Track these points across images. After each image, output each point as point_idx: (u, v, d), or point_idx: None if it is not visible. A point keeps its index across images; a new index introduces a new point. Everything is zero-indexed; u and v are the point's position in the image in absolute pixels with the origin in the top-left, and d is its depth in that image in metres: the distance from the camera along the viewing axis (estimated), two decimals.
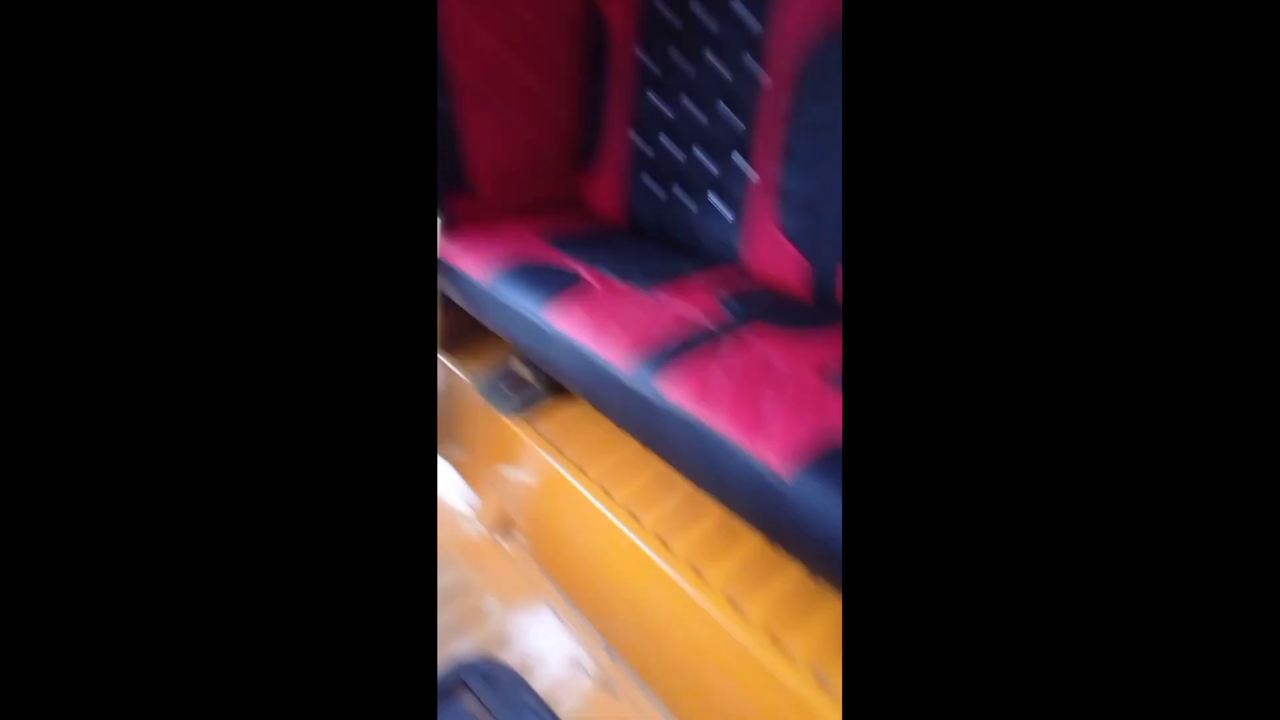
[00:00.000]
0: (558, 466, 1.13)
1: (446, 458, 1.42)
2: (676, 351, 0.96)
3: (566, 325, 1.03)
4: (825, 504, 0.75)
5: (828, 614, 0.91)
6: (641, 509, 1.05)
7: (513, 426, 1.22)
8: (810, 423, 0.83)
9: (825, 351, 0.97)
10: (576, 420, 1.23)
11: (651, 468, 1.13)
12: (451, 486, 1.38)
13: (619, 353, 0.97)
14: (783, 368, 0.94)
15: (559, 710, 1.00)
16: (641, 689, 1.04)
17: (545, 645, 1.10)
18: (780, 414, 0.85)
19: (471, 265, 1.19)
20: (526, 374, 1.29)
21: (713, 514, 1.04)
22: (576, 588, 1.16)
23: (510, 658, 1.08)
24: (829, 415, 0.84)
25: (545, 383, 1.27)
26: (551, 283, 1.11)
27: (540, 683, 1.04)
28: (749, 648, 0.88)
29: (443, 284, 1.28)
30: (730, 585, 0.94)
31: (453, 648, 1.08)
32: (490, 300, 1.15)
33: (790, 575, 0.95)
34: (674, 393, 0.90)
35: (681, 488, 1.09)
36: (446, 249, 1.25)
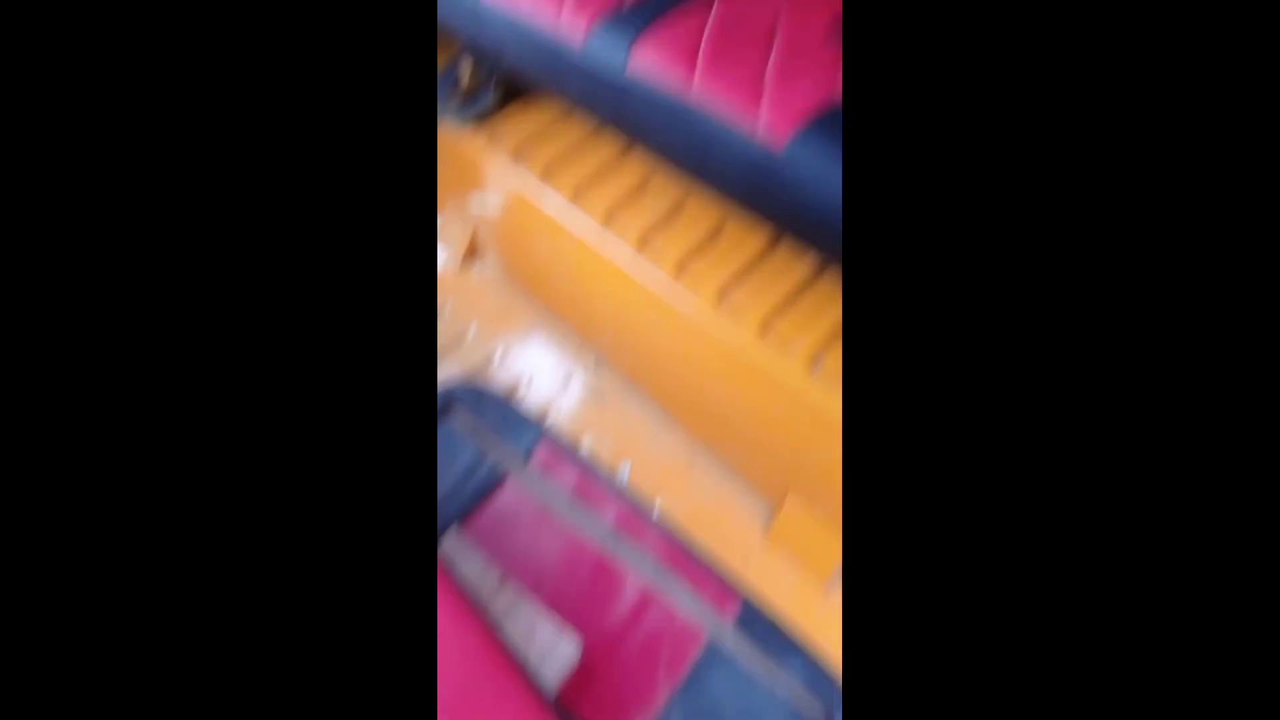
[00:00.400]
0: (525, 178, 1.01)
1: None
2: (645, 15, 0.80)
3: None
4: (822, 170, 0.67)
5: (827, 309, 0.87)
6: (623, 213, 0.97)
7: (469, 139, 1.07)
8: (801, 85, 0.72)
9: (816, 5, 0.82)
10: (546, 124, 1.09)
11: (635, 170, 1.02)
12: None
13: (577, 25, 0.81)
14: (768, 25, 0.79)
15: (551, 422, 1.00)
16: (634, 395, 1.05)
17: (531, 364, 1.08)
18: (769, 77, 0.73)
19: None
20: (478, 76, 1.11)
21: (707, 216, 0.96)
22: (558, 304, 1.12)
23: (497, 379, 1.06)
24: (822, 75, 0.73)
25: (502, 83, 1.10)
26: None
27: (530, 399, 1.04)
28: (742, 343, 0.85)
29: None
30: (722, 284, 0.89)
31: (438, 373, 1.05)
32: None
33: (791, 275, 0.90)
34: (644, 65, 0.77)
35: (670, 191, 0.99)
36: None
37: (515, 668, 0.46)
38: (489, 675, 0.46)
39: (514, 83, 1.09)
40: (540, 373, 1.07)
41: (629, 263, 0.93)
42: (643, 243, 0.94)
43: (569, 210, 0.98)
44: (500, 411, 0.94)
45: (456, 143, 1.09)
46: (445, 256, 1.20)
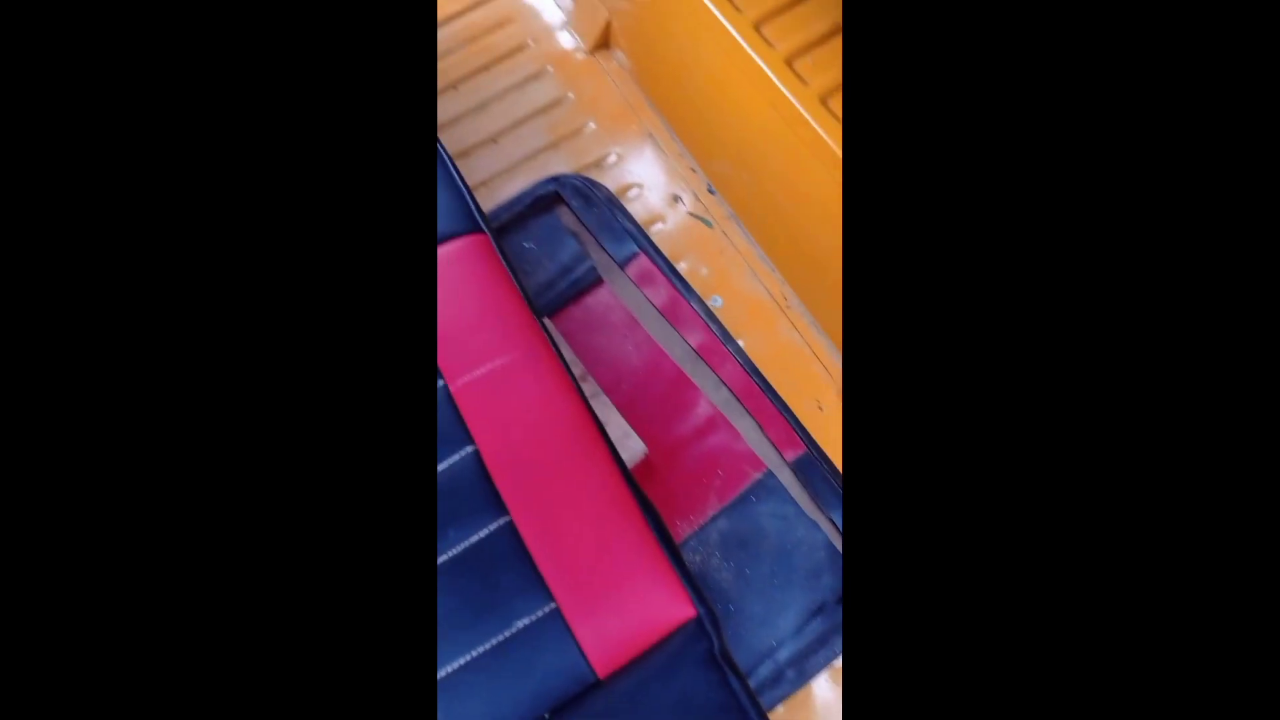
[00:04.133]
0: None
1: None
2: None
3: None
4: None
5: None
6: (775, 28, 0.88)
7: None
8: None
9: None
10: None
11: None
12: None
13: None
14: None
15: (653, 237, 0.99)
16: (739, 228, 1.02)
17: (643, 174, 1.05)
18: None
19: None
20: None
21: None
22: (682, 118, 1.06)
23: (606, 181, 1.04)
24: None
25: None
26: None
27: (635, 210, 1.02)
28: None
29: None
30: None
31: (548, 163, 1.04)
32: None
33: None
34: None
35: (836, 7, 0.89)
36: None
37: (605, 436, 0.49)
38: (585, 429, 0.49)
39: None
40: (651, 185, 1.05)
41: (775, 84, 0.86)
42: (792, 66, 0.86)
43: (718, 14, 0.89)
44: (607, 213, 0.93)
45: None
46: (575, 44, 1.14)
